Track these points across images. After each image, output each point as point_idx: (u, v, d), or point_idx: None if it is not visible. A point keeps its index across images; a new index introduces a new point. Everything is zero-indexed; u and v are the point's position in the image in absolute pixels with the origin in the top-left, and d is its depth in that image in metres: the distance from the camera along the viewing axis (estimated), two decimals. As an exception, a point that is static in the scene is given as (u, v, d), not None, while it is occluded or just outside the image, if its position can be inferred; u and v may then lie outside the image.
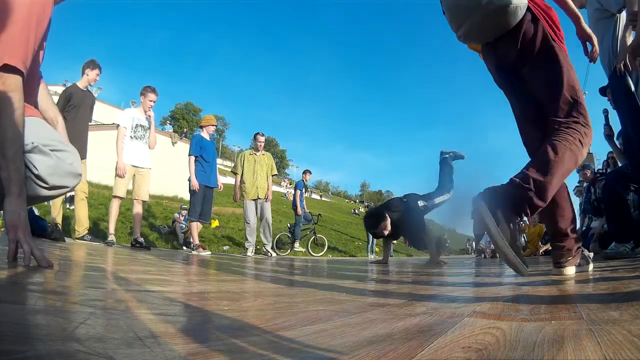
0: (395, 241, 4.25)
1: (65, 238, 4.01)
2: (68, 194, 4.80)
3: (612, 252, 2.74)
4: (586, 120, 1.41)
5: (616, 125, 3.18)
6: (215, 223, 9.48)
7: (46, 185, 1.14)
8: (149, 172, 4.54)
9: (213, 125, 5.30)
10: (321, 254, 8.73)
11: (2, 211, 1.08)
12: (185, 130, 35.49)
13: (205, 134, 5.14)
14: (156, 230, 7.59)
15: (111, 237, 4.25)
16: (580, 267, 1.65)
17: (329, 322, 0.68)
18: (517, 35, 1.46)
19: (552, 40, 1.45)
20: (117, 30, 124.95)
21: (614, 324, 0.60)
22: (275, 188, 25.42)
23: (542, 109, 1.51)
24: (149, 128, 4.54)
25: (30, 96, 1.26)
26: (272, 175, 5.71)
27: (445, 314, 0.77)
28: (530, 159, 1.44)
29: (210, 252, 5.15)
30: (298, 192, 8.40)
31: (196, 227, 4.98)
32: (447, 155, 4.01)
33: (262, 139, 5.69)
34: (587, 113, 1.42)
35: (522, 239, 7.31)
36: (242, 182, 5.52)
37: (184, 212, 7.18)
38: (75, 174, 1.22)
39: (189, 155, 4.96)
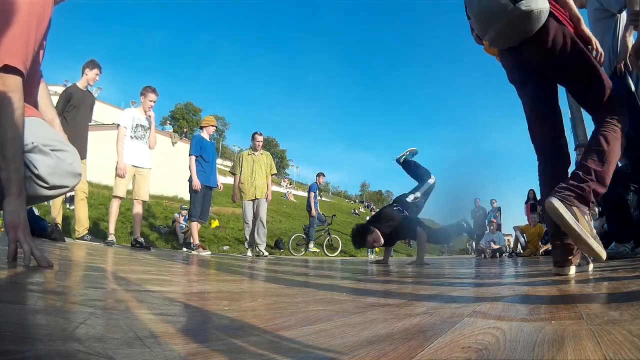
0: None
1: (65, 238, 4.01)
2: (68, 194, 4.81)
3: (612, 252, 2.74)
4: (623, 112, 1.57)
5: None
6: (215, 223, 9.49)
7: (46, 185, 1.14)
8: (149, 172, 4.54)
9: (213, 126, 5.32)
10: (335, 254, 8.92)
11: (1, 211, 1.08)
12: (185, 130, 35.47)
13: (205, 135, 5.16)
14: (156, 230, 7.59)
15: (111, 237, 4.25)
16: (580, 267, 1.65)
17: (329, 322, 0.68)
18: (543, 39, 1.53)
19: (580, 43, 1.54)
20: (117, 30, 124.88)
21: (614, 324, 0.60)
22: (275, 188, 25.43)
23: (550, 108, 1.69)
24: (149, 128, 4.55)
25: (30, 96, 1.26)
26: (272, 175, 5.70)
27: (445, 314, 0.77)
28: (584, 153, 1.57)
29: (210, 252, 5.15)
30: (312, 194, 8.63)
31: (196, 227, 4.99)
32: (403, 157, 4.17)
33: (260, 138, 5.68)
34: (620, 105, 1.60)
35: (523, 238, 7.32)
36: (240, 182, 5.53)
37: (184, 212, 7.19)
38: (75, 174, 1.22)
39: (190, 155, 4.98)
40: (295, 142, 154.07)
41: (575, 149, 3.55)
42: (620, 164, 3.56)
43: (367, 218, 4.41)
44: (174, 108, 59.16)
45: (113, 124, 10.44)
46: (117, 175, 4.28)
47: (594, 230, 1.41)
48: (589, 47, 1.59)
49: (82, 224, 4.14)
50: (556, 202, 1.40)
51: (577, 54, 1.54)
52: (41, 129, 1.20)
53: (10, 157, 1.03)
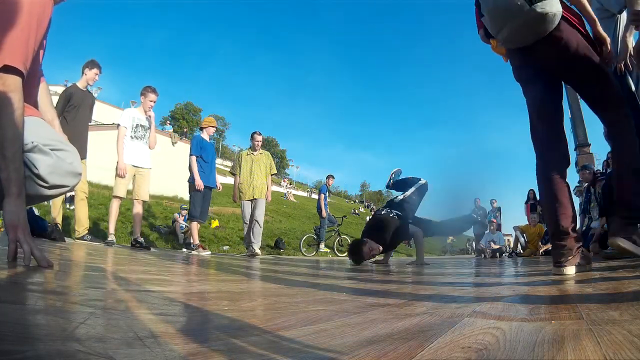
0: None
1: (65, 238, 4.01)
2: (68, 194, 4.81)
3: (612, 252, 2.74)
4: (628, 112, 1.63)
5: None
6: (215, 223, 9.49)
7: (46, 185, 1.14)
8: (149, 172, 4.54)
9: (213, 127, 5.34)
10: (345, 254, 8.89)
11: (1, 211, 1.08)
12: (185, 130, 35.50)
13: (205, 135, 5.17)
14: (156, 230, 7.59)
15: (111, 237, 4.25)
16: (580, 267, 1.65)
17: (329, 322, 0.68)
18: (556, 40, 1.58)
19: (589, 46, 1.59)
20: (117, 30, 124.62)
21: (614, 324, 0.60)
22: (275, 188, 25.40)
23: (553, 108, 1.73)
24: (149, 128, 4.55)
25: (30, 96, 1.26)
26: (272, 175, 5.70)
27: (445, 314, 0.77)
28: (620, 165, 1.66)
29: (210, 252, 5.15)
30: (322, 195, 8.68)
31: (196, 227, 4.99)
32: (391, 181, 4.41)
33: (259, 138, 5.67)
34: (627, 106, 1.66)
35: (523, 238, 7.33)
36: (239, 182, 5.53)
37: (184, 212, 7.19)
38: (75, 174, 1.22)
39: (190, 155, 4.99)
40: (295, 142, 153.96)
41: (575, 149, 3.56)
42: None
43: (367, 217, 4.51)
44: (174, 108, 59.16)
45: (113, 124, 10.44)
46: (117, 175, 4.27)
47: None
48: (604, 48, 1.63)
49: (82, 224, 4.14)
50: (623, 243, 1.55)
51: (586, 55, 1.59)
52: (41, 129, 1.20)
53: (10, 157, 1.03)
